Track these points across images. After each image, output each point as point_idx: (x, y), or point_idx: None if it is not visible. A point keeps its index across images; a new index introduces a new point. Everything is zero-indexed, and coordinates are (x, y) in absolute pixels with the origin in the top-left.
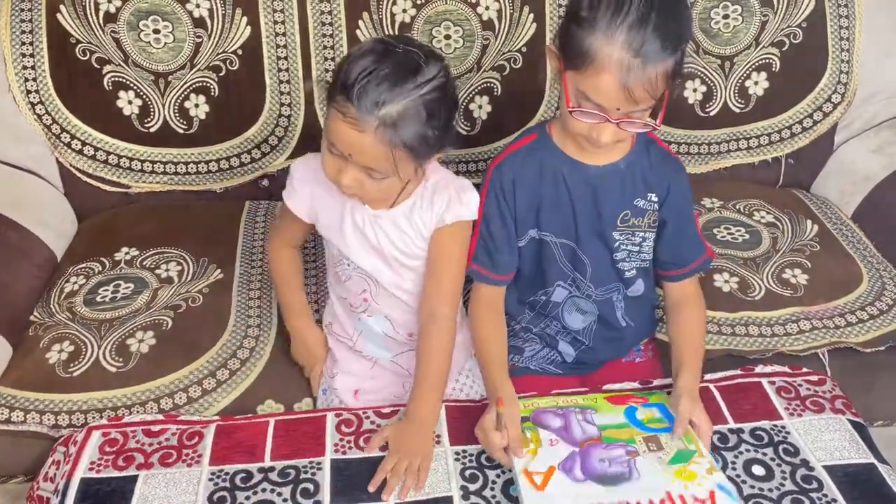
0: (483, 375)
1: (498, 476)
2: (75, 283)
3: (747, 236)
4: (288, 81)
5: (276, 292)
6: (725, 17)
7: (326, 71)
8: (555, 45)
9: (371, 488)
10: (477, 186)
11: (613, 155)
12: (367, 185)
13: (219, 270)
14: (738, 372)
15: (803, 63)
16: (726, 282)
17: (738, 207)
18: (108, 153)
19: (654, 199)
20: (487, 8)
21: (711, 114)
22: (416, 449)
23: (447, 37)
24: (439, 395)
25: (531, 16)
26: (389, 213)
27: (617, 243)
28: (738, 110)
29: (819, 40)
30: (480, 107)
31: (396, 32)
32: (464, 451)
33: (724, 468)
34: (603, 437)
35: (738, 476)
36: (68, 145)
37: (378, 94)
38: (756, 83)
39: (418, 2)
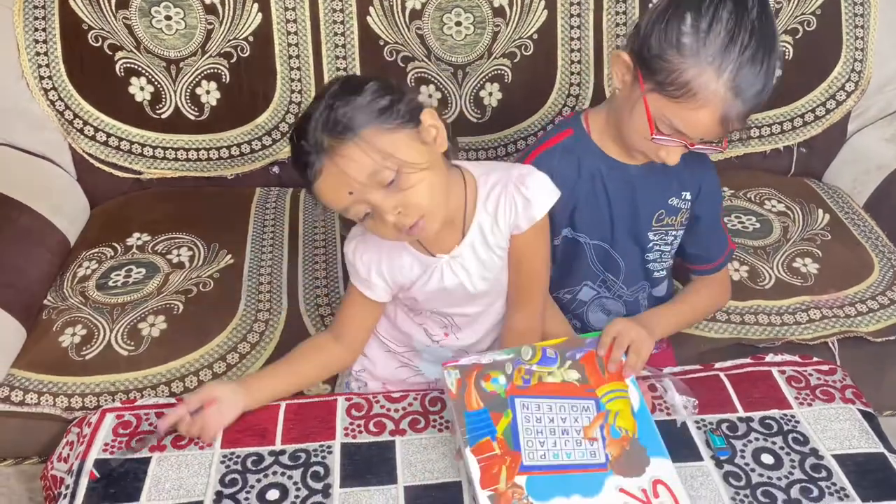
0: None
1: None
2: (88, 267)
3: (758, 225)
4: (299, 68)
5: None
6: None
7: (337, 58)
8: (631, 55)
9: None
10: None
11: None
12: (408, 199)
13: (229, 256)
14: (748, 360)
15: (817, 51)
16: (736, 270)
17: (749, 196)
18: (121, 139)
19: (688, 197)
20: None
21: None
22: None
23: (458, 23)
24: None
25: (542, 2)
26: (464, 247)
27: (651, 244)
28: None
29: (833, 28)
30: (491, 94)
31: (407, 20)
32: None
33: (733, 457)
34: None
35: (746, 464)
36: (81, 131)
37: (323, 122)
38: None
39: None
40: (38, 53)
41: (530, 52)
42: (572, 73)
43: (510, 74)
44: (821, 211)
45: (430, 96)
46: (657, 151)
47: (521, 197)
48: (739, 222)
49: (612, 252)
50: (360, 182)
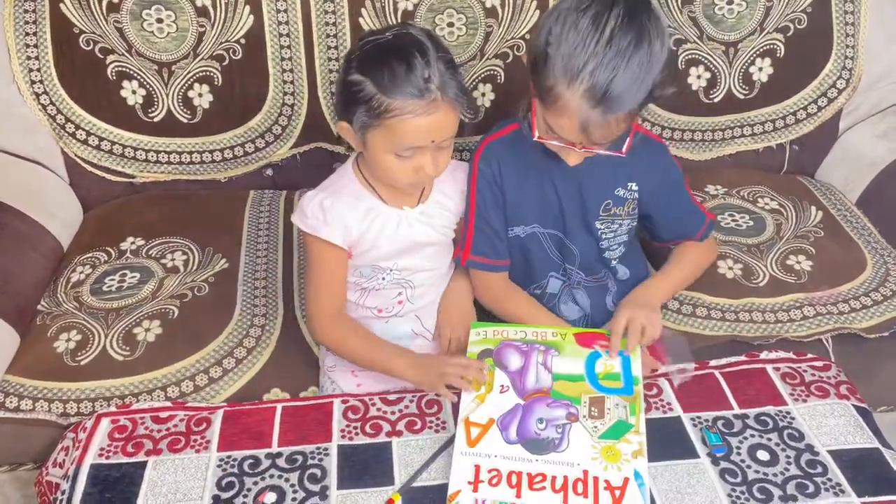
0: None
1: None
2: (82, 272)
3: (751, 223)
4: (291, 70)
5: (361, 362)
6: (730, 2)
7: (329, 59)
8: (528, 63)
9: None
10: None
11: None
12: (443, 158)
13: (224, 260)
14: (743, 358)
15: (808, 48)
16: (730, 268)
17: (742, 194)
18: (113, 143)
19: (635, 188)
20: None
21: (716, 100)
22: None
23: (450, 24)
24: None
25: (534, 3)
26: (430, 204)
27: (599, 232)
28: (742, 97)
29: (824, 25)
30: (484, 94)
31: (399, 20)
32: None
33: (728, 454)
34: (552, 391)
35: (742, 461)
36: (73, 135)
37: (433, 73)
38: (760, 69)
39: None
40: (28, 58)
41: (523, 53)
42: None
43: (503, 75)
44: (814, 208)
45: None
46: (559, 151)
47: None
48: (733, 220)
49: (566, 240)
50: (446, 137)
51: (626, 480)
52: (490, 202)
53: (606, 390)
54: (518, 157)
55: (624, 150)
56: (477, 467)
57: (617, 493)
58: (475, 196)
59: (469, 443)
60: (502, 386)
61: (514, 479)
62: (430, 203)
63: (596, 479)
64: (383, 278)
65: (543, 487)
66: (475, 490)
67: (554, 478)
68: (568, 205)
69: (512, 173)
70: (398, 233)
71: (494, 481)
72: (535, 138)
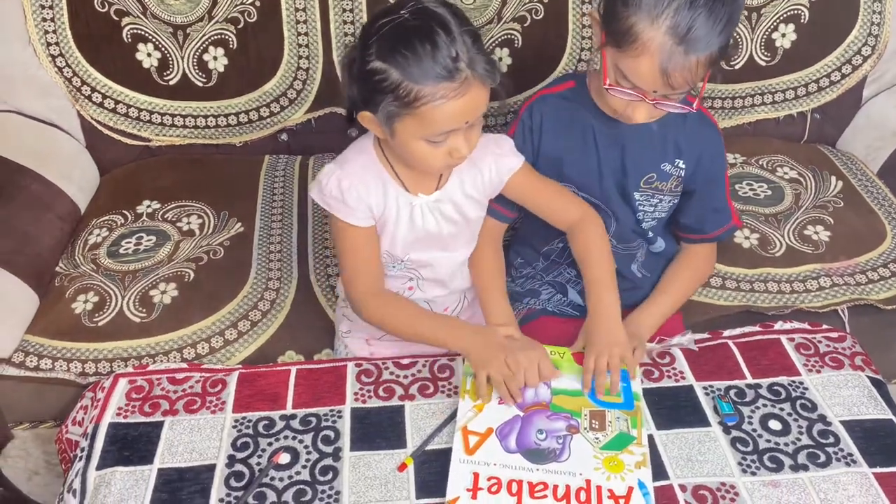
0: (482, 300)
1: None
2: (98, 235)
3: (770, 192)
4: (306, 34)
5: (411, 337)
6: None
7: (345, 23)
8: (598, 12)
9: (585, 390)
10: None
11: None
12: (475, 137)
13: (239, 224)
14: (757, 328)
15: (833, 14)
16: (746, 238)
17: (761, 163)
18: (129, 106)
19: (682, 165)
20: None
21: (736, 67)
22: (609, 340)
23: None
24: (615, 285)
25: None
26: (445, 192)
27: (636, 203)
28: (763, 63)
29: None
30: (501, 59)
31: None
32: None
33: (740, 423)
34: (551, 405)
35: (754, 430)
36: (89, 98)
37: (460, 50)
38: (783, 35)
39: None
40: (44, 20)
41: (541, 16)
42: (583, 38)
43: (520, 39)
44: (833, 178)
45: None
46: (624, 109)
47: (497, 151)
48: (751, 189)
49: (603, 206)
50: (479, 115)
51: (631, 490)
52: (519, 149)
53: (606, 405)
54: (567, 114)
55: (695, 106)
56: (476, 475)
57: (621, 502)
58: (511, 137)
59: (467, 451)
60: (500, 398)
61: (514, 488)
62: (444, 191)
63: (599, 488)
64: (394, 266)
65: (545, 496)
66: (474, 497)
67: (556, 486)
68: (606, 170)
69: (555, 128)
70: (413, 223)
71: (494, 489)
72: (606, 86)
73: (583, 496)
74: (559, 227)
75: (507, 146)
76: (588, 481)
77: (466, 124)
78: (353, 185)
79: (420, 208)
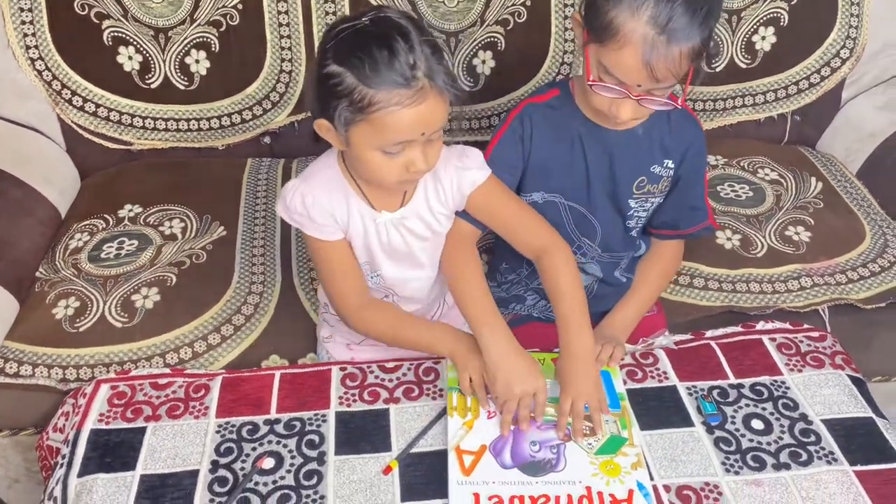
0: (462, 306)
1: None
2: (80, 239)
3: (751, 193)
4: (289, 36)
5: (406, 344)
6: None
7: (328, 26)
8: (580, 13)
9: (559, 433)
10: (480, 146)
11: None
12: (434, 152)
13: (222, 227)
14: (739, 329)
15: (812, 17)
16: (728, 239)
17: (742, 164)
18: (110, 110)
19: (671, 164)
20: None
21: (717, 69)
22: (583, 390)
23: None
24: (586, 319)
25: None
26: (411, 208)
27: (631, 210)
28: (744, 66)
29: None
30: (484, 62)
31: None
32: None
33: (723, 422)
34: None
35: (737, 430)
36: (69, 102)
37: (418, 59)
38: (763, 38)
39: None
40: (23, 22)
41: (524, 20)
42: (566, 41)
43: (503, 42)
44: (814, 179)
45: None
46: (608, 107)
47: (458, 164)
48: (732, 191)
49: (589, 216)
50: (436, 128)
51: (631, 492)
52: (505, 160)
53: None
54: (553, 123)
55: (681, 101)
56: (476, 495)
57: None
58: (493, 147)
59: (464, 471)
60: (489, 412)
61: None
62: (408, 209)
63: (601, 493)
64: (371, 277)
65: None
66: None
67: (558, 497)
68: (595, 178)
69: (543, 137)
70: (378, 239)
71: None
72: (589, 82)
73: None
74: (524, 253)
75: (474, 159)
76: (588, 488)
77: (423, 136)
78: (316, 199)
79: (384, 225)
